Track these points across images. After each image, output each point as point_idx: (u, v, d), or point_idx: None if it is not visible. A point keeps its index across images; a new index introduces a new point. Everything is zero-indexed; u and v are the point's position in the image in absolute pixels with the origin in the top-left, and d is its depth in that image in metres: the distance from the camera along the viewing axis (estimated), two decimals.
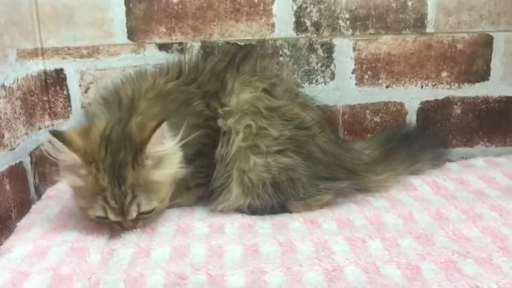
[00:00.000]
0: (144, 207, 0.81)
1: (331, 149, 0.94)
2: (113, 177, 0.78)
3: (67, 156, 0.77)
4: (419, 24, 1.16)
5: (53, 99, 1.14)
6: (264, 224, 0.87)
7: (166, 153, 0.80)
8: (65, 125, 1.14)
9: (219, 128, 0.90)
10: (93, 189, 0.78)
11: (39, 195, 1.06)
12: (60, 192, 1.02)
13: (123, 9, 1.10)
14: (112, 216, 0.80)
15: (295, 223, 0.87)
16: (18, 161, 0.98)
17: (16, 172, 0.97)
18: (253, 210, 0.90)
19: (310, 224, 0.86)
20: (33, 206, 0.98)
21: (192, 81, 0.93)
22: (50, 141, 0.77)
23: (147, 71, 0.97)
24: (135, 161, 0.78)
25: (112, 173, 0.78)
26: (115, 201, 0.78)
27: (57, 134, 0.78)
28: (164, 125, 0.77)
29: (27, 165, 1.03)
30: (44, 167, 1.10)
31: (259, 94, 0.91)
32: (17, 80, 1.00)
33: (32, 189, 1.05)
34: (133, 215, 0.81)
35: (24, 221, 0.91)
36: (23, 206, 0.98)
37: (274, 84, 0.94)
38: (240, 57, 0.97)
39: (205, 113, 0.91)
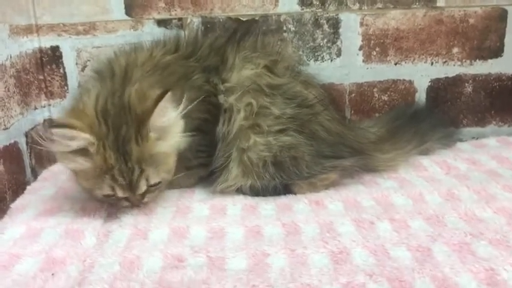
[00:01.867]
0: (153, 180, 0.78)
1: (335, 127, 0.91)
2: (119, 154, 0.74)
3: (78, 140, 0.73)
4: None
5: (49, 78, 1.10)
6: (267, 206, 0.84)
7: (169, 124, 0.77)
8: (62, 105, 1.10)
9: (220, 104, 0.87)
10: (101, 169, 0.74)
11: (35, 176, 1.03)
12: (57, 174, 0.99)
13: None
14: (120, 193, 0.77)
15: (299, 204, 0.84)
16: (12, 141, 0.96)
17: (11, 152, 0.95)
18: (255, 192, 0.87)
19: (316, 205, 0.83)
20: (28, 187, 0.95)
21: (190, 55, 0.90)
22: (54, 135, 0.72)
23: (142, 44, 0.93)
24: (139, 135, 0.75)
25: (117, 149, 0.74)
26: (123, 177, 0.75)
27: (60, 125, 0.73)
28: (168, 96, 0.73)
29: (23, 146, 1.00)
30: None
31: (261, 71, 0.88)
32: (10, 57, 0.97)
33: (28, 170, 1.02)
34: (143, 189, 0.78)
35: (18, 202, 0.88)
36: (19, 188, 0.95)
37: (275, 61, 0.91)
38: (241, 33, 0.94)
39: (205, 87, 0.87)
